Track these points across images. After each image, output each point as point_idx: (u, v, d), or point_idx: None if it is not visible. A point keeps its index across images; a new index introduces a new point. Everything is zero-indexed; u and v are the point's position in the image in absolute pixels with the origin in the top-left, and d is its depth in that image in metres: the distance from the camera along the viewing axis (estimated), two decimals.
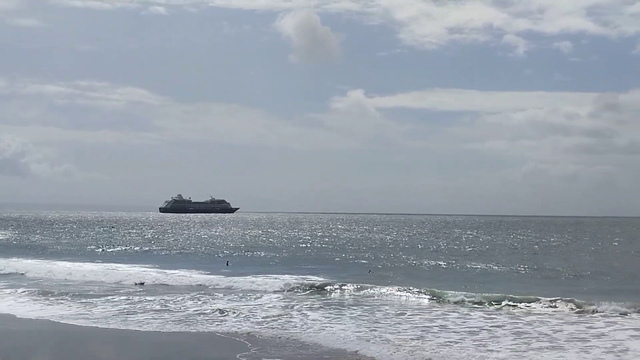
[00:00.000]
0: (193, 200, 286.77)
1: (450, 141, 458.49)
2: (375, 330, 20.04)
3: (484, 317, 22.80)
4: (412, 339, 18.64)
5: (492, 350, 17.16)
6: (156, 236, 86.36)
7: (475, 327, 20.79)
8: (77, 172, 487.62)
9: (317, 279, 34.56)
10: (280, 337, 18.98)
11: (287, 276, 36.28)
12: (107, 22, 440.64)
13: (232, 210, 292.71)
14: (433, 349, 17.20)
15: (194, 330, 20.30)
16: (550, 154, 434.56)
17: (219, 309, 24.07)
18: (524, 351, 17.15)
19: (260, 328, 20.48)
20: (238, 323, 21.45)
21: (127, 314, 23.19)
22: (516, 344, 18.10)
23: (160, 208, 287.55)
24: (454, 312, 23.90)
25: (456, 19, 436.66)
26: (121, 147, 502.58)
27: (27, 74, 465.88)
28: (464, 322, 21.58)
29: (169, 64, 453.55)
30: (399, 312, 23.80)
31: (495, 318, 22.57)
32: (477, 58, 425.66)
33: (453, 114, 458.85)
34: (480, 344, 17.95)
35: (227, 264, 45.25)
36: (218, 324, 21.30)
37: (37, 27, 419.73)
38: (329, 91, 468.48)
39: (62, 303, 25.85)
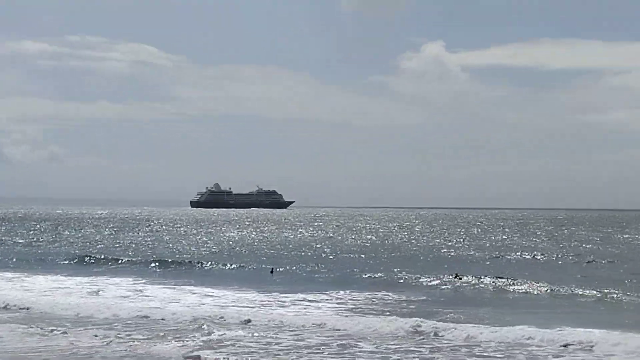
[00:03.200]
0: (234, 192, 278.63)
1: (561, 111, 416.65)
2: None
3: None
4: None
5: None
6: (183, 238, 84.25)
7: None
8: (67, 157, 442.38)
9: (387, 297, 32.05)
10: None
11: (345, 293, 33.87)
12: None
13: (285, 205, 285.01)
14: None
15: None
16: None
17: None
18: None
19: None
20: None
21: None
22: None
23: (191, 202, 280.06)
24: None
25: None
26: (127, 124, 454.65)
27: (1, 28, 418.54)
28: None
29: (183, 14, 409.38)
30: None
31: None
32: None
33: (566, 74, 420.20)
34: None
35: (272, 272, 43.46)
36: None
37: None
38: (397, 46, 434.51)
39: None
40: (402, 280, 40.98)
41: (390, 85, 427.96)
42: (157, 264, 50.76)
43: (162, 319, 26.55)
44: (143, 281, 40.31)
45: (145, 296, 34.11)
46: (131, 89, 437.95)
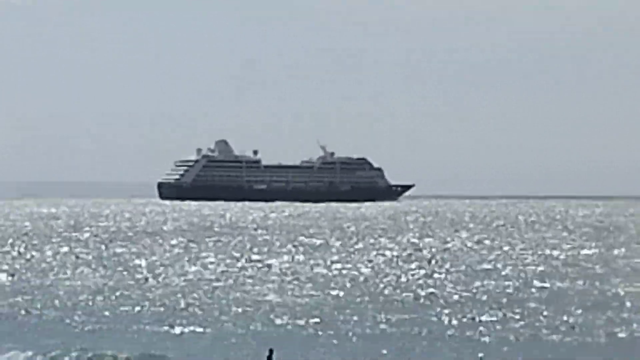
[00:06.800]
0: (265, 162, 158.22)
1: None
2: None
3: None
4: None
5: None
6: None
7: None
8: None
9: None
10: None
11: None
12: None
13: (392, 192, 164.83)
14: None
15: None
16: None
17: None
18: None
19: None
20: None
21: None
22: None
23: (160, 185, 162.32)
24: None
25: None
26: None
27: None
28: None
29: None
30: None
31: None
32: None
33: None
34: None
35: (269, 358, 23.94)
36: None
37: None
38: None
39: None
40: None
41: None
42: None
43: None
44: None
45: None
46: None
